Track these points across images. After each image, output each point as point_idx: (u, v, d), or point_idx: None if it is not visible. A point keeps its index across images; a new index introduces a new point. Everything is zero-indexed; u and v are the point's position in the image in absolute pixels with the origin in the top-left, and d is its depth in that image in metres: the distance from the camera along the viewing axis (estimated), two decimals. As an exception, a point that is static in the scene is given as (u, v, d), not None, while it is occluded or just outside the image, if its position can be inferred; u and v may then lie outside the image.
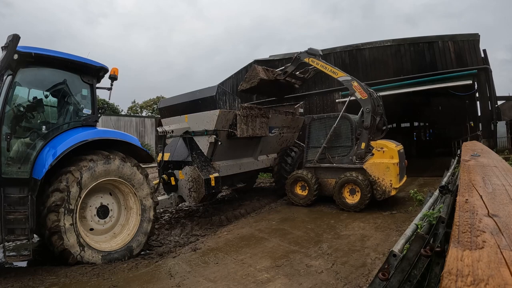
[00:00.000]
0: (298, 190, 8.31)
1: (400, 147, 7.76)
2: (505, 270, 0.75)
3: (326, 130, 8.14)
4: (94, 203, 4.78)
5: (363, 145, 7.37)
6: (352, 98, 7.71)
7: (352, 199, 7.34)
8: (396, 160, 7.10)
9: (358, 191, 7.24)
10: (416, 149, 22.82)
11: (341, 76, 7.82)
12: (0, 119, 4.06)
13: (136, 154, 5.28)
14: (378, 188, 7.11)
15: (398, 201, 7.86)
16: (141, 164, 5.23)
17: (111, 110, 32.89)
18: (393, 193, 7.09)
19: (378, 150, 7.33)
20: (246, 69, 19.44)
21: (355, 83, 7.53)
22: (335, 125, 7.82)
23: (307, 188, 8.09)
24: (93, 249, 4.44)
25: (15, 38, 3.96)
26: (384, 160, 7.20)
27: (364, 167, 7.31)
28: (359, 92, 7.43)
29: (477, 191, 1.58)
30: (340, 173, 7.59)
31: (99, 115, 5.27)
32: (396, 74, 13.43)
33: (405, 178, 7.95)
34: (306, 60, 8.59)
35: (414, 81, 12.92)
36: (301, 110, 12.20)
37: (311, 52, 8.47)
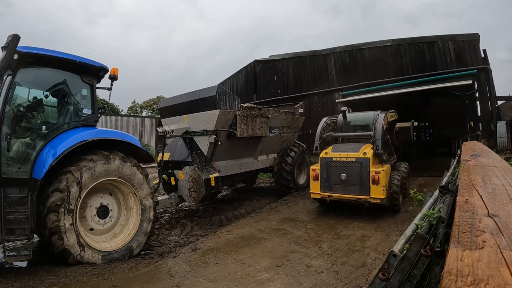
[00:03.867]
0: None
1: (344, 155, 6.64)
2: (505, 270, 0.75)
3: None
4: (94, 203, 4.78)
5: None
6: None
7: None
8: (314, 167, 7.19)
9: None
10: (416, 149, 22.83)
11: None
12: (0, 119, 4.06)
13: (136, 154, 5.29)
14: None
15: (398, 201, 7.84)
16: (141, 164, 5.23)
17: (111, 110, 32.87)
18: (312, 196, 7.28)
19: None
20: (246, 69, 19.44)
21: None
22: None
23: None
24: (93, 249, 4.44)
25: (15, 38, 3.96)
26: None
27: None
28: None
29: (477, 191, 1.58)
30: None
31: (99, 115, 5.28)
32: (396, 74, 13.42)
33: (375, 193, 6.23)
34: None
35: (414, 81, 12.92)
36: (301, 110, 12.22)
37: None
